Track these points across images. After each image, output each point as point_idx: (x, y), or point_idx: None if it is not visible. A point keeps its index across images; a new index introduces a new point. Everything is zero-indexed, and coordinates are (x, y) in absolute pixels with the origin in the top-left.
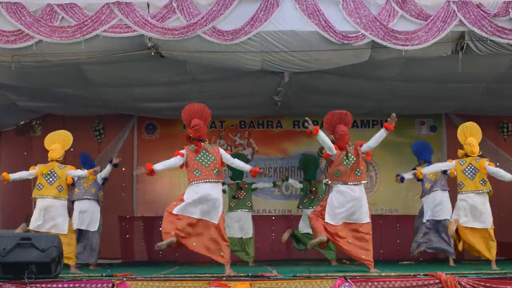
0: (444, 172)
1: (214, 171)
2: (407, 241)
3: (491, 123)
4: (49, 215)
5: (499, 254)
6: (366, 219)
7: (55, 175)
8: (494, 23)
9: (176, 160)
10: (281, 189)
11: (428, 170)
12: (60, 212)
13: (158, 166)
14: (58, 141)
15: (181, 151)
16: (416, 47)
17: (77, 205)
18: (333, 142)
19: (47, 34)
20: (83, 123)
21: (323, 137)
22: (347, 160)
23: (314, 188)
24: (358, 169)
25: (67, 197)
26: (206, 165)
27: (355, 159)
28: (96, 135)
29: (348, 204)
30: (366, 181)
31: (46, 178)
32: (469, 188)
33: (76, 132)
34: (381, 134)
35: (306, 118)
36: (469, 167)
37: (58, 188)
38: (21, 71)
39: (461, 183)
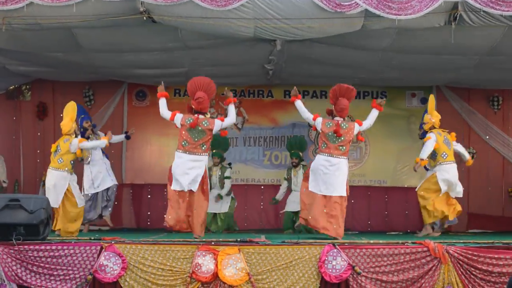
0: None
1: (201, 146)
2: (395, 213)
3: (481, 96)
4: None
5: (487, 227)
6: (340, 192)
7: (59, 148)
8: None
9: (168, 114)
10: (270, 159)
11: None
12: (54, 182)
13: (162, 100)
14: (66, 115)
15: (176, 116)
16: (409, 17)
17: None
18: (331, 113)
19: None
20: (73, 88)
21: (299, 107)
22: (335, 139)
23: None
24: (343, 146)
25: (66, 169)
26: (195, 139)
27: (343, 139)
28: (86, 101)
29: (326, 173)
30: (347, 158)
31: (54, 154)
32: (450, 158)
33: (65, 98)
34: (375, 114)
35: (295, 87)
36: (445, 139)
37: (59, 160)
38: (11, 34)
39: (444, 154)
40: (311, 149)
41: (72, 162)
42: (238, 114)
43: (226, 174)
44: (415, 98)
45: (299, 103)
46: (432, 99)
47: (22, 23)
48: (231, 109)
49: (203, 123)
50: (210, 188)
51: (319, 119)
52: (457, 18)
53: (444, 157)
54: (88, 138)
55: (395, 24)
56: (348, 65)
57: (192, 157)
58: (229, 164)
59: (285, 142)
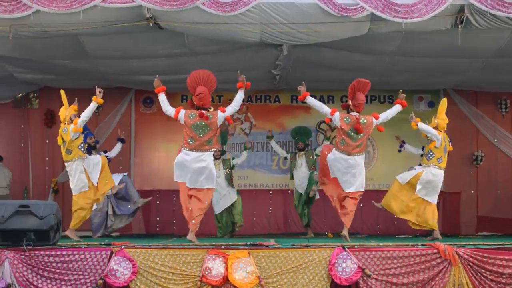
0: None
1: (207, 142)
2: None
3: (489, 99)
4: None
5: (496, 230)
6: (358, 188)
7: (64, 141)
8: None
9: (172, 111)
10: (278, 164)
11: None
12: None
13: (161, 96)
14: (65, 102)
15: (180, 112)
16: (415, 20)
17: None
18: (347, 107)
19: (45, 4)
20: (80, 96)
21: (313, 102)
22: (355, 136)
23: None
24: (361, 143)
25: (77, 157)
26: (200, 135)
27: (363, 135)
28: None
29: (345, 173)
30: (363, 153)
31: (63, 148)
32: (443, 166)
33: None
34: (396, 109)
35: (303, 82)
36: (445, 147)
37: (67, 152)
38: (18, 42)
39: (440, 159)
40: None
41: (80, 147)
42: (246, 119)
43: (234, 162)
44: (422, 102)
45: (311, 99)
46: (444, 102)
47: (29, 31)
48: (237, 96)
49: (207, 115)
50: None
51: (337, 114)
52: (464, 21)
53: (439, 162)
54: (91, 153)
55: (401, 28)
56: (355, 69)
57: (199, 154)
58: (233, 158)
59: (293, 147)
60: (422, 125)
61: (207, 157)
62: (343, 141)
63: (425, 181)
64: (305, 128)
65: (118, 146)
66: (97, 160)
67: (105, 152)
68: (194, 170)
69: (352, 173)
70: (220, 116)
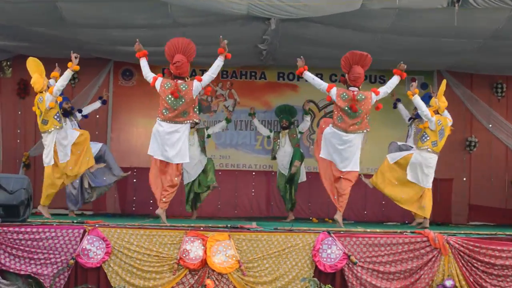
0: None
1: (182, 114)
2: (392, 202)
3: (485, 83)
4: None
5: (489, 219)
6: (353, 167)
7: (40, 111)
8: None
9: (150, 77)
10: (262, 143)
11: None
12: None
13: (143, 61)
14: (34, 72)
15: (157, 80)
16: None
17: None
18: (345, 82)
19: None
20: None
21: (310, 78)
22: (352, 113)
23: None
24: (360, 121)
25: (53, 127)
26: (175, 107)
27: (361, 112)
28: (69, 80)
29: (339, 150)
30: (364, 131)
31: (39, 119)
32: (436, 150)
33: (48, 75)
34: (394, 81)
35: (301, 57)
36: (441, 131)
37: (43, 122)
38: None
39: (435, 142)
40: (306, 134)
41: (56, 116)
42: (229, 96)
43: (208, 132)
44: (415, 83)
45: (309, 75)
46: (443, 84)
47: None
48: (215, 62)
49: (181, 87)
50: None
51: (334, 90)
52: None
53: (433, 146)
54: (67, 117)
55: (395, 4)
56: (346, 46)
57: (173, 126)
58: (207, 128)
59: (278, 126)
60: (417, 99)
61: (182, 130)
62: (341, 117)
63: (413, 163)
64: (291, 107)
65: (96, 104)
66: (74, 135)
67: (79, 111)
68: (165, 142)
69: (346, 150)
70: (196, 85)
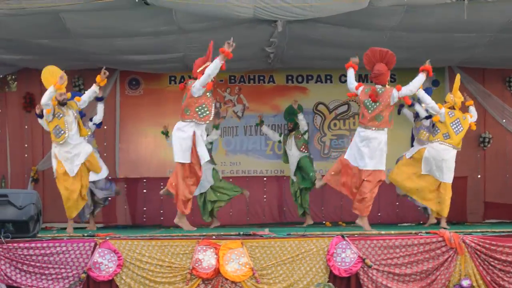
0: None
1: (185, 111)
2: (406, 203)
3: (497, 77)
4: None
5: (505, 217)
6: (372, 166)
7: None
8: None
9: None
10: (273, 148)
11: (423, 95)
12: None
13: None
14: (48, 83)
15: None
16: None
17: None
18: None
19: None
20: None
21: (350, 75)
22: (370, 105)
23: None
24: (379, 115)
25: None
26: (182, 102)
27: (379, 104)
28: (75, 91)
29: (360, 147)
30: (386, 128)
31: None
32: (452, 142)
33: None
34: (419, 78)
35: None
36: (456, 122)
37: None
38: None
39: (447, 134)
40: (317, 137)
41: (53, 130)
42: (238, 101)
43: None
44: (426, 81)
45: (351, 72)
46: (458, 79)
47: (6, 7)
48: (214, 62)
49: (189, 83)
50: None
51: (361, 87)
52: None
53: (445, 138)
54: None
55: (403, 1)
56: (354, 46)
57: (180, 124)
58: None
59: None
60: (422, 93)
61: (186, 128)
62: (362, 114)
63: (426, 158)
64: (288, 108)
65: (100, 108)
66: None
67: (90, 120)
68: (175, 141)
69: (365, 147)
70: (195, 83)
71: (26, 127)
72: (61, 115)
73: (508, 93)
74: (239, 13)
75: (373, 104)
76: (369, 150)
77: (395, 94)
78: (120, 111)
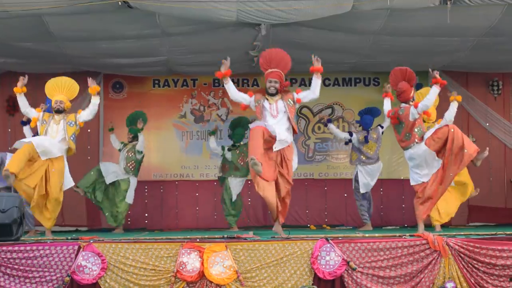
0: None
1: None
2: (390, 206)
3: (480, 81)
4: None
5: (489, 220)
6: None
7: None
8: None
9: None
10: None
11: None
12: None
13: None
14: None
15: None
16: None
17: None
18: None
19: None
20: (45, 81)
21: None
22: (396, 127)
23: (243, 154)
24: (407, 134)
25: None
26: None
27: (404, 125)
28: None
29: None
30: (413, 144)
31: None
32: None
33: (37, 91)
34: (433, 91)
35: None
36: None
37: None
38: None
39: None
40: (301, 140)
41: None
42: (222, 104)
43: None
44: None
45: (386, 101)
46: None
47: None
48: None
49: None
50: None
51: (391, 113)
52: None
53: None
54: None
55: (387, 5)
56: (338, 50)
57: None
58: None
59: None
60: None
61: None
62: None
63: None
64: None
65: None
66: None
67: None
68: None
69: (414, 161)
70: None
71: (9, 130)
72: (44, 122)
73: (491, 97)
74: (223, 16)
75: (398, 126)
76: (420, 162)
77: (414, 111)
78: (104, 114)
